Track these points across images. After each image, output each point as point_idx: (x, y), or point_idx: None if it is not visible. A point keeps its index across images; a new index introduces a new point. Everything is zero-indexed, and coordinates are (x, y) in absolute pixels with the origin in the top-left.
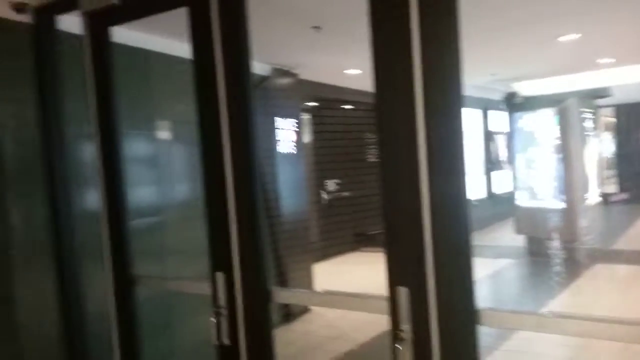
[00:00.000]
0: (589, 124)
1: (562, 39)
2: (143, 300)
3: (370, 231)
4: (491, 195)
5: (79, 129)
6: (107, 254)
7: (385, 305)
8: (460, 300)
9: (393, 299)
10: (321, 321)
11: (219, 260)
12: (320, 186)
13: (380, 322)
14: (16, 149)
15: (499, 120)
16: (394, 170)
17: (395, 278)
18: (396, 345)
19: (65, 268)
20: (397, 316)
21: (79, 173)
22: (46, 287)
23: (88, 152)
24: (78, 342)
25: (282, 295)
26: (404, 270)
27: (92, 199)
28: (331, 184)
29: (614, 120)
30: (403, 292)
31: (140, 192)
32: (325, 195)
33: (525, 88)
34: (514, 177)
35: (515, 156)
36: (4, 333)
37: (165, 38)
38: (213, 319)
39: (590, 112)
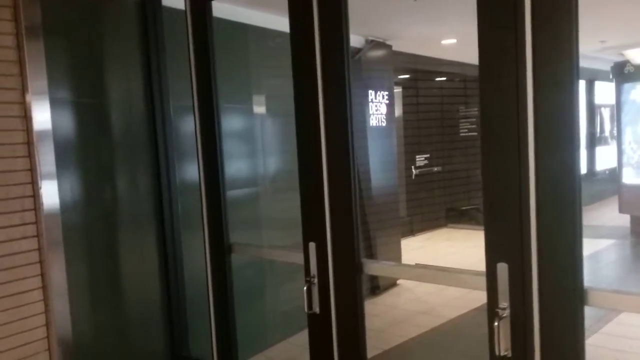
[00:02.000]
0: None
1: None
2: (237, 268)
3: (461, 207)
4: (593, 171)
5: (182, 103)
6: (205, 223)
7: (481, 281)
8: (566, 278)
9: (492, 275)
10: (409, 295)
11: (312, 230)
12: (410, 160)
13: (470, 298)
14: (124, 121)
15: (605, 91)
16: (498, 143)
17: (495, 254)
18: (494, 322)
19: (167, 235)
20: (495, 293)
21: (181, 145)
22: (149, 253)
23: (189, 125)
24: (176, 305)
25: (373, 268)
26: (504, 246)
27: (192, 170)
28: (421, 159)
29: None
30: (503, 268)
31: (236, 164)
32: (414, 170)
33: (637, 56)
34: (620, 153)
35: (622, 130)
36: (111, 294)
37: (264, 12)
38: (305, 288)
39: None
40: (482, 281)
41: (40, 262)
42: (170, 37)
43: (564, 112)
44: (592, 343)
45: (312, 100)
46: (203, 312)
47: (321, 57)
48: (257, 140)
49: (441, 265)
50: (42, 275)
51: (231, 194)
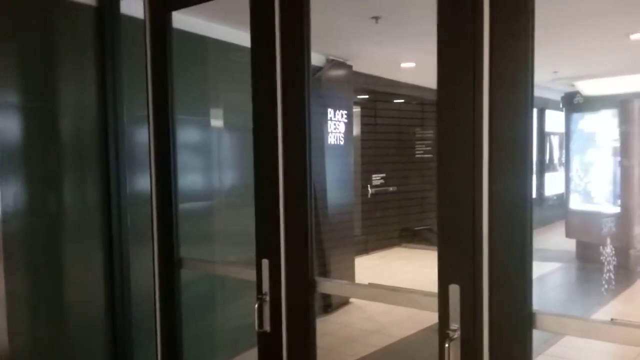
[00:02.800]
0: None
1: (633, 36)
2: (187, 283)
3: (415, 227)
4: (542, 196)
5: (136, 113)
6: (155, 236)
7: (433, 302)
8: (516, 302)
9: (443, 297)
10: (361, 314)
11: (266, 247)
12: (367, 180)
13: (421, 319)
14: (75, 128)
15: (555, 120)
16: (453, 166)
17: (447, 275)
18: (445, 344)
19: (114, 247)
20: (446, 314)
21: (132, 156)
22: (94, 266)
23: (142, 135)
24: (122, 320)
25: (327, 286)
26: (457, 268)
27: (144, 181)
28: (377, 178)
29: None
30: (455, 290)
31: (190, 177)
32: (370, 189)
33: (587, 87)
34: (568, 179)
35: (570, 158)
36: (53, 308)
37: (225, 25)
38: (256, 305)
39: None
40: (434, 302)
41: None
42: (127, 46)
43: (518, 138)
44: None
45: (270, 116)
46: (150, 328)
47: (281, 73)
48: (213, 153)
49: (394, 285)
50: None
51: (184, 207)
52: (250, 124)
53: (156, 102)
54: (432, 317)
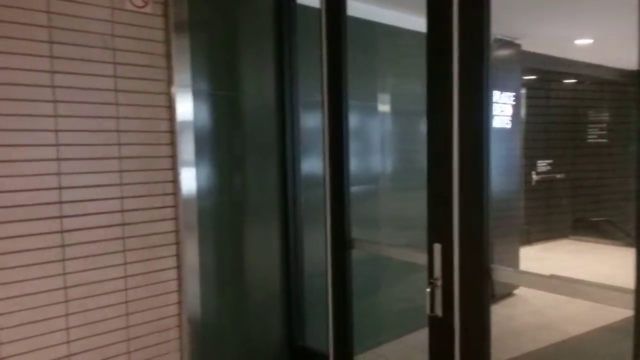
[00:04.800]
0: None
1: None
2: (356, 263)
3: (590, 217)
4: None
5: (310, 99)
6: (329, 217)
7: (627, 299)
8: None
9: None
10: (526, 307)
11: (438, 231)
12: (531, 166)
13: (595, 317)
14: (256, 115)
15: None
16: None
17: None
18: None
19: (290, 227)
20: None
21: (307, 140)
22: (272, 243)
23: (316, 120)
24: (295, 295)
25: (503, 274)
26: None
27: (317, 165)
28: (543, 164)
29: None
30: None
31: (358, 161)
32: (535, 176)
33: None
34: None
35: None
36: (235, 279)
37: (394, 10)
38: (428, 289)
39: None
40: (630, 299)
41: (177, 243)
42: (302, 34)
43: None
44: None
45: (445, 100)
46: (320, 305)
47: (458, 57)
48: (380, 138)
49: (582, 279)
50: (177, 255)
51: (353, 190)
52: (417, 108)
53: (331, 88)
54: (608, 315)
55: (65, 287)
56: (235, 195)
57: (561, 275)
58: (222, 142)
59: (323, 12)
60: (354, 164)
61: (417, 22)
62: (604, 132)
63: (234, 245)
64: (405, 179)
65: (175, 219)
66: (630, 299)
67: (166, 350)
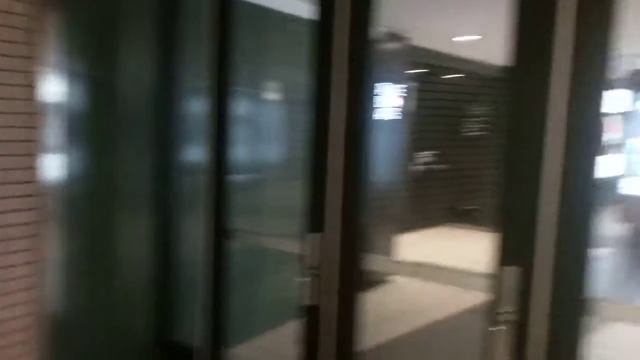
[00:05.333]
0: None
1: None
2: (234, 253)
3: (463, 206)
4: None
5: (192, 83)
6: (206, 206)
7: (483, 283)
8: (577, 288)
9: (499, 278)
10: (398, 293)
11: (316, 221)
12: (415, 156)
13: (460, 301)
14: (133, 97)
15: (614, 100)
16: (520, 146)
17: (504, 257)
18: (495, 327)
19: (166, 216)
20: (500, 297)
21: (187, 126)
22: (146, 233)
23: (197, 106)
24: (169, 286)
25: (376, 263)
26: (516, 250)
27: (196, 152)
28: (426, 155)
29: None
30: (511, 272)
31: (242, 149)
32: (419, 166)
33: None
34: (626, 163)
35: (630, 139)
36: (104, 270)
37: None
38: (302, 279)
39: None
40: (486, 283)
41: (35, 235)
42: (188, 17)
43: (593, 120)
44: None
45: (328, 88)
46: (196, 297)
47: (348, 47)
48: (264, 126)
49: (444, 265)
50: (34, 249)
51: (234, 178)
52: (304, 97)
53: (215, 73)
54: (473, 299)
55: None
56: (107, 183)
57: (426, 262)
58: (94, 126)
59: None
60: (239, 152)
61: (309, 9)
62: (481, 125)
63: (103, 236)
64: (292, 168)
65: (33, 209)
66: (486, 283)
67: (15, 354)
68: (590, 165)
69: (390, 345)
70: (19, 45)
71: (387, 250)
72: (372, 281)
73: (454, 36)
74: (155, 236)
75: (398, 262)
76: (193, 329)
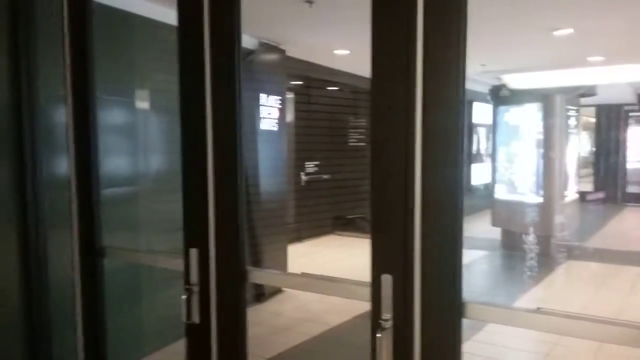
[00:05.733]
0: (571, 121)
1: (557, 33)
2: (110, 272)
3: (348, 215)
4: (469, 186)
5: (52, 91)
6: (75, 223)
7: (365, 291)
8: (446, 292)
9: (376, 286)
10: (293, 302)
11: (194, 235)
12: (299, 167)
13: (354, 306)
14: None
15: (482, 112)
16: (386, 155)
17: (380, 265)
18: (377, 334)
19: (30, 235)
20: (379, 304)
21: (50, 137)
22: (8, 254)
23: (60, 115)
24: (39, 312)
25: (258, 276)
26: (389, 258)
27: (62, 165)
28: (310, 166)
29: (593, 119)
30: (387, 280)
31: (114, 161)
32: (304, 176)
33: (513, 81)
34: (494, 170)
35: (497, 149)
36: None
37: (149, 1)
38: (184, 296)
39: (574, 110)
40: (367, 292)
41: None
42: (46, 20)
43: (450, 128)
44: (465, 350)
45: (199, 99)
46: (71, 321)
47: (210, 55)
48: (138, 136)
49: (326, 275)
50: None
51: (107, 192)
52: (178, 106)
53: (75, 80)
54: (364, 305)
55: None
56: None
57: (310, 274)
58: None
59: None
60: (109, 165)
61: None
62: (362, 136)
63: None
64: (167, 180)
65: None
66: (368, 291)
67: None
68: (452, 173)
69: (287, 355)
70: None
71: (277, 261)
72: (267, 292)
73: (334, 49)
74: (21, 257)
75: (283, 275)
76: (68, 355)
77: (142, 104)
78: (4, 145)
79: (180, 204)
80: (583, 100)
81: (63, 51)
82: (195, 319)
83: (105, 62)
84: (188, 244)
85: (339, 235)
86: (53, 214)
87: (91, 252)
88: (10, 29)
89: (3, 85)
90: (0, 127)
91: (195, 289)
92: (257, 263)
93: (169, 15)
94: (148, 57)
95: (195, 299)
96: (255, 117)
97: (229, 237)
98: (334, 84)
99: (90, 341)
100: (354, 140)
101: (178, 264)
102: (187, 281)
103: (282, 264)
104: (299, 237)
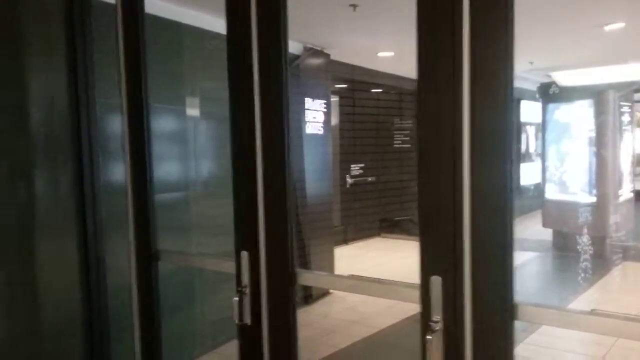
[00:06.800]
0: (625, 118)
1: (607, 28)
2: (164, 275)
3: (394, 217)
4: (518, 186)
5: (108, 101)
6: (131, 228)
7: (415, 293)
8: (497, 293)
9: (425, 288)
10: (341, 304)
11: (245, 239)
12: (345, 170)
13: (401, 308)
14: (45, 118)
15: (531, 110)
16: (434, 157)
17: (429, 267)
18: (427, 336)
19: (89, 239)
20: (428, 306)
21: (107, 145)
22: (68, 259)
23: (116, 124)
24: (97, 314)
25: (307, 278)
26: (438, 259)
27: (118, 171)
28: (355, 168)
29: None
30: (436, 282)
31: (167, 167)
32: (349, 179)
33: (563, 78)
34: (544, 170)
35: (547, 148)
36: (25, 301)
37: (198, 11)
38: (235, 298)
39: (628, 106)
40: (416, 294)
41: None
42: (103, 32)
43: (499, 128)
44: (518, 354)
45: (247, 105)
46: (127, 322)
47: (258, 61)
48: (189, 143)
49: (374, 277)
50: None
51: (161, 197)
52: (227, 112)
53: (129, 89)
54: (413, 307)
55: None
56: (20, 209)
57: (359, 275)
58: (4, 154)
59: (118, 8)
60: (162, 171)
61: (223, 24)
62: (407, 138)
63: (21, 264)
64: (216, 185)
65: None
66: (417, 293)
67: None
68: (501, 174)
69: (336, 357)
70: None
71: (324, 264)
72: (315, 294)
73: (378, 52)
74: (81, 261)
75: (332, 277)
76: (125, 355)
77: (192, 111)
78: (64, 155)
79: (229, 208)
80: (637, 96)
81: (118, 63)
82: (247, 320)
83: (157, 72)
84: (239, 246)
85: (385, 237)
86: (110, 219)
87: (147, 255)
88: (68, 44)
89: (63, 98)
90: (60, 138)
91: (247, 290)
92: (304, 265)
93: (217, 24)
94: (197, 65)
95: (246, 301)
96: (301, 121)
97: (278, 239)
98: (378, 86)
99: (147, 340)
100: (399, 142)
101: (229, 267)
102: (238, 283)
103: (329, 267)
104: (345, 240)
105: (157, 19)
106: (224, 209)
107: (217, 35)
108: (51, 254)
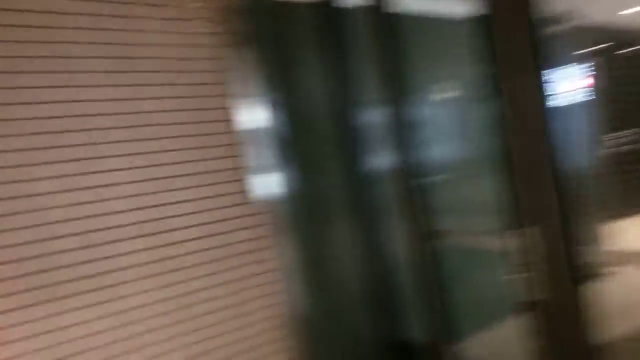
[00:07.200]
0: None
1: None
2: (439, 254)
3: None
4: None
5: (362, 97)
6: (404, 210)
7: None
8: None
9: None
10: (619, 286)
11: (531, 215)
12: (612, 138)
13: None
14: (317, 116)
15: None
16: None
17: None
18: None
19: (366, 222)
20: None
21: (369, 136)
22: (352, 239)
23: (372, 116)
24: (383, 289)
25: (592, 254)
26: None
27: (383, 160)
28: (624, 135)
29: None
30: None
31: (427, 152)
32: (617, 148)
33: None
34: None
35: None
36: (322, 278)
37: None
38: (519, 275)
39: None
40: None
41: (260, 250)
42: (353, 37)
43: None
44: None
45: (500, 82)
46: (409, 298)
47: (513, 36)
48: (443, 127)
49: None
50: (260, 262)
51: (426, 181)
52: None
53: (386, 84)
54: None
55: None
56: (314, 197)
57: None
58: (295, 147)
59: (368, 12)
60: (424, 155)
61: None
62: None
63: (319, 245)
64: (471, 165)
65: (257, 226)
66: None
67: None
68: None
69: (631, 339)
70: (218, 86)
71: (596, 240)
72: (593, 272)
73: (619, 10)
74: (361, 242)
75: (621, 252)
76: (413, 328)
77: (440, 96)
78: (337, 146)
79: (486, 187)
80: None
81: (373, 61)
82: (533, 296)
83: (408, 64)
84: (525, 223)
85: None
86: (381, 203)
87: (424, 235)
88: (325, 50)
89: (329, 95)
90: (331, 131)
91: (534, 267)
92: (580, 242)
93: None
94: (440, 53)
95: (535, 277)
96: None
97: (564, 214)
98: (633, 44)
99: (435, 314)
100: None
101: (503, 244)
102: (523, 260)
103: (601, 243)
104: (619, 214)
105: (396, 16)
106: (483, 188)
107: (450, 21)
108: (338, 235)
